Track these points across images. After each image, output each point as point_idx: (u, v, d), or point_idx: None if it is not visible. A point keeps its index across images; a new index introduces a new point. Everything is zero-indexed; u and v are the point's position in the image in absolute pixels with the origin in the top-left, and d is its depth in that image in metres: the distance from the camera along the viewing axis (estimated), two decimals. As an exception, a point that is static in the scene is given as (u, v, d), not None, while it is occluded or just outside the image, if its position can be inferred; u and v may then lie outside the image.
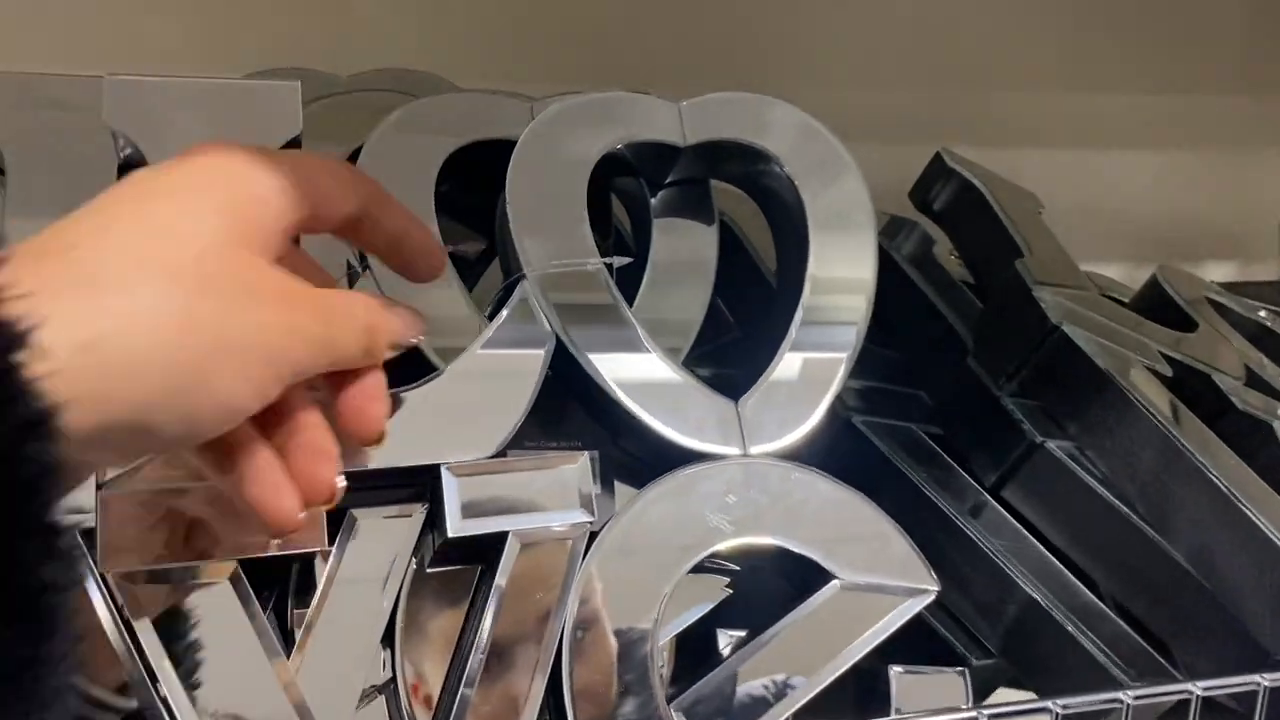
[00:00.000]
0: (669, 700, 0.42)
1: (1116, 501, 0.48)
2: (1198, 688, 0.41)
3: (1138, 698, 0.43)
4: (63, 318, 0.25)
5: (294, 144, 0.44)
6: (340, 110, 0.56)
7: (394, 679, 0.44)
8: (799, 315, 0.47)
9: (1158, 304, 0.67)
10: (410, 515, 0.42)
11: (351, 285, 0.48)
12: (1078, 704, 0.41)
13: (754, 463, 0.45)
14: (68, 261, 0.27)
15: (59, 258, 0.27)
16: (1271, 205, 0.96)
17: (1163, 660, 0.48)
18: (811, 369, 0.47)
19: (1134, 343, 0.54)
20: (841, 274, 0.48)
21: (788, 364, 0.47)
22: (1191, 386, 0.56)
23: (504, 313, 0.43)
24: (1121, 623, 0.48)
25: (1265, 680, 0.41)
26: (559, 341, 0.44)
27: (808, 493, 0.45)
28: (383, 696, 0.44)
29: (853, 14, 0.84)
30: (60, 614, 0.24)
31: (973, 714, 0.41)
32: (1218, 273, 0.96)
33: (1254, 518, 0.44)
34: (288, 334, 0.31)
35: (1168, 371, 0.54)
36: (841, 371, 0.47)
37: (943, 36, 0.89)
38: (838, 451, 0.51)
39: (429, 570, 0.43)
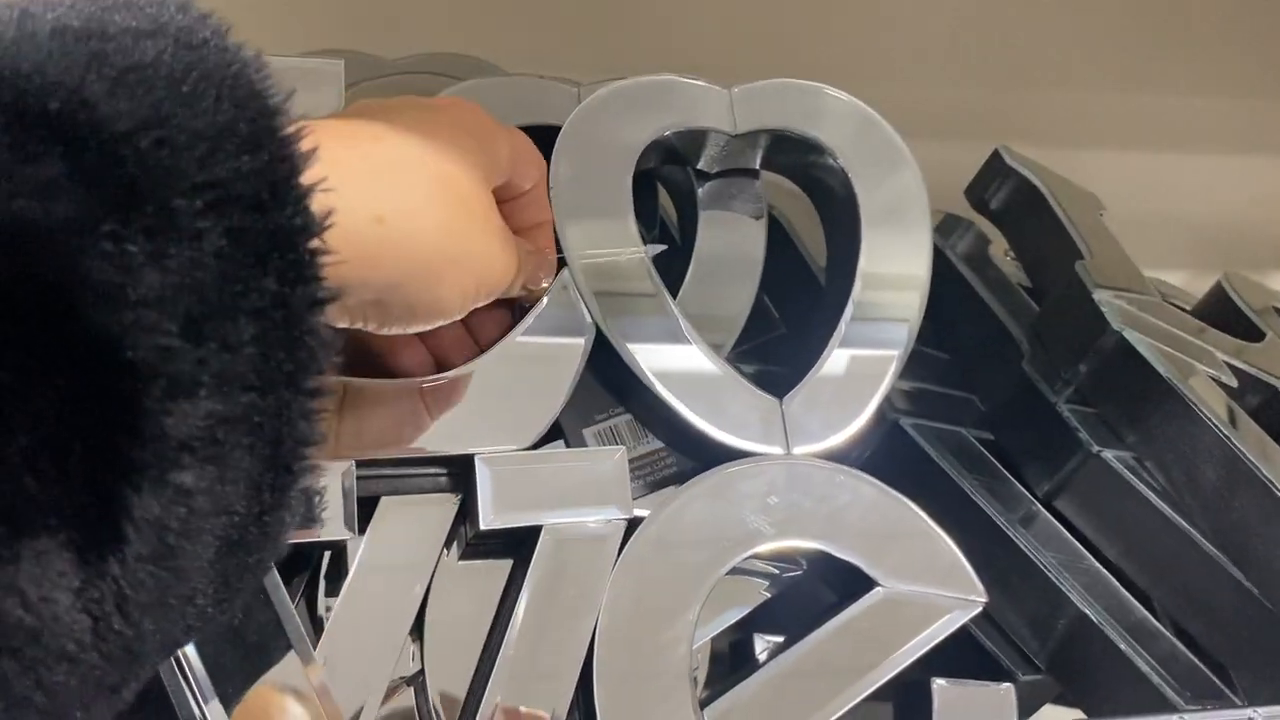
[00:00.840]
0: (702, 706, 0.41)
1: (1176, 516, 0.46)
2: (1259, 714, 0.39)
3: (1194, 721, 0.41)
4: (360, 194, 0.29)
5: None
6: (383, 93, 0.55)
7: (422, 671, 0.43)
8: (849, 311, 0.46)
9: (1222, 312, 0.65)
10: (443, 505, 0.41)
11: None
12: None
13: (797, 463, 0.43)
14: (370, 150, 0.31)
15: (369, 143, 0.31)
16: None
17: (1220, 683, 0.45)
18: (860, 367, 0.46)
19: (1197, 350, 0.52)
20: (895, 270, 0.47)
21: (835, 361, 0.45)
22: (1256, 397, 0.54)
23: (543, 300, 0.42)
24: (1177, 642, 0.46)
25: None
26: (598, 331, 0.42)
27: (852, 496, 0.44)
28: (411, 689, 0.44)
29: (907, 7, 0.83)
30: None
31: (1020, 732, 0.40)
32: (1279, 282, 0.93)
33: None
34: (498, 263, 0.36)
35: (1232, 382, 0.51)
36: (892, 370, 0.46)
37: (999, 32, 0.87)
38: (885, 455, 0.49)
39: (460, 562, 0.42)
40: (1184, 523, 0.46)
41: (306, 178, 0.26)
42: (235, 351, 0.24)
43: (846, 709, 0.41)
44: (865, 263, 0.47)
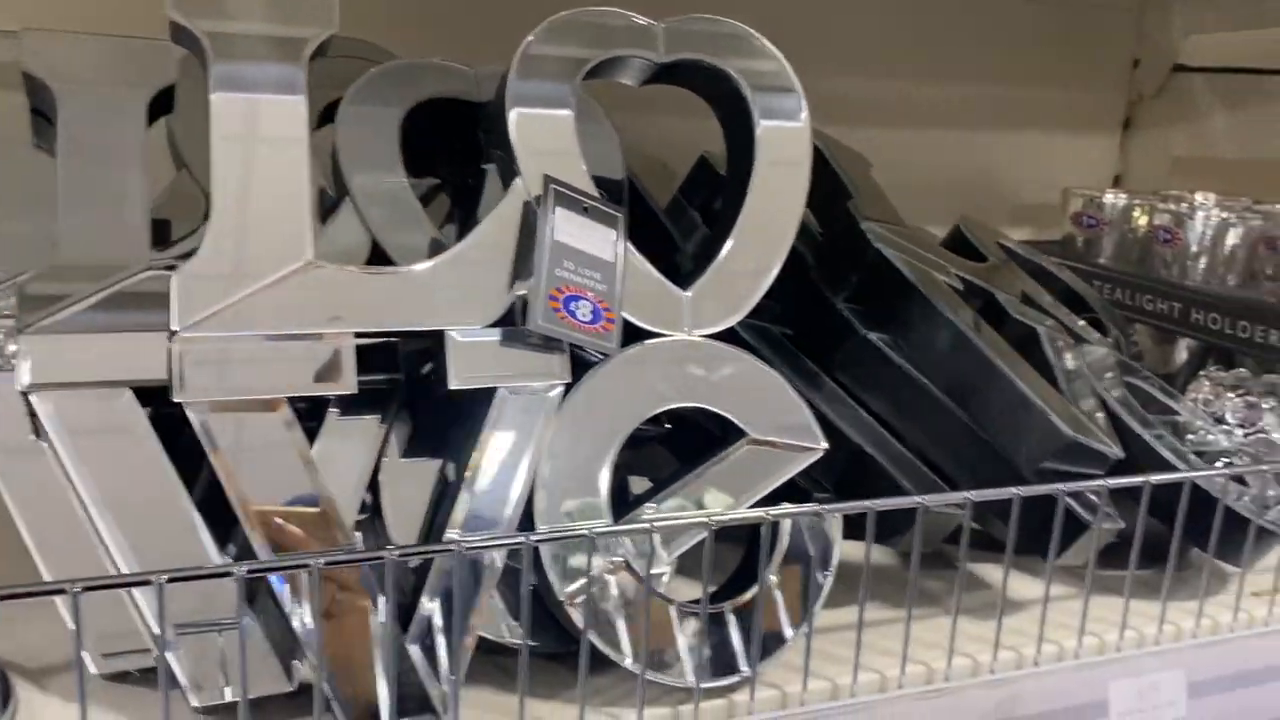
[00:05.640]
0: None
1: (921, 377, 0.64)
2: (971, 496, 0.57)
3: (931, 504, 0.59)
4: None
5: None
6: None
7: (377, 509, 0.55)
8: (741, 220, 0.59)
9: (959, 244, 0.85)
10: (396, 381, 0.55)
11: (324, 212, 0.60)
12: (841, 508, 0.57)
13: (694, 342, 0.57)
14: None
15: None
16: (1057, 179, 1.16)
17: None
18: (747, 263, 0.59)
19: (936, 264, 0.71)
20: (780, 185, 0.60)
21: (730, 258, 0.59)
22: (977, 300, 0.74)
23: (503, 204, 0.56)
24: (921, 465, 0.64)
25: (1019, 491, 0.58)
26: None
27: (733, 368, 0.58)
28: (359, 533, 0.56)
29: None
30: None
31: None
32: (1015, 235, 1.15)
33: (1011, 377, 0.61)
34: None
35: (959, 286, 0.70)
36: (776, 265, 0.59)
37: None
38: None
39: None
40: (926, 381, 0.64)
41: None
42: None
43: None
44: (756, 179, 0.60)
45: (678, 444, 0.62)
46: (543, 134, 0.57)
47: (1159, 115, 1.27)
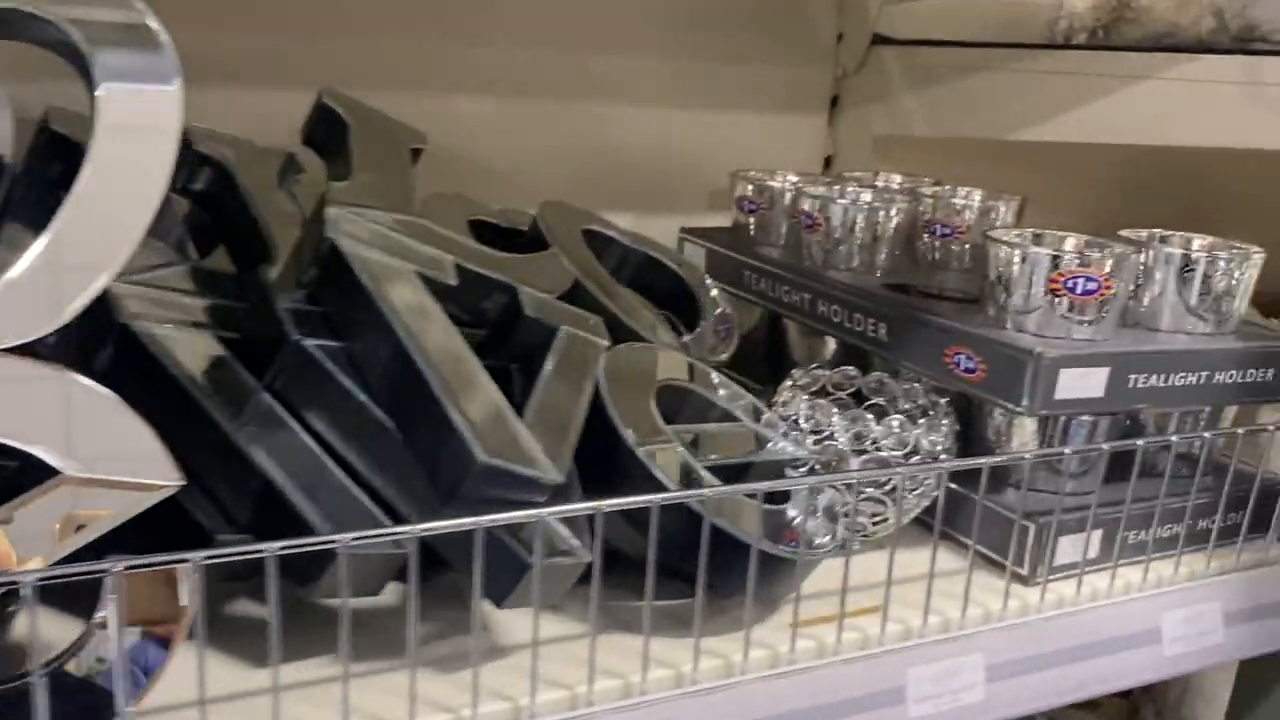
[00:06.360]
0: None
1: (358, 391, 0.54)
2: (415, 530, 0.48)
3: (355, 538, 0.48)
4: None
5: None
6: None
7: None
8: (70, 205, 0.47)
9: (534, 234, 0.76)
10: None
11: None
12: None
13: None
14: None
15: None
16: (769, 163, 1.07)
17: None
18: (75, 259, 0.47)
19: (428, 259, 0.61)
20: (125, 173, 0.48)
21: (48, 252, 0.46)
22: (495, 298, 0.64)
23: None
24: (362, 498, 0.54)
25: (484, 521, 0.49)
26: None
27: (48, 389, 0.48)
28: None
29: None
30: None
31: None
32: (689, 220, 1.06)
33: (435, 391, 0.51)
34: None
35: (453, 282, 0.60)
36: (115, 263, 0.47)
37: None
38: (120, 359, 0.55)
39: None
40: (363, 397, 0.54)
41: None
42: None
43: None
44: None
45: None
46: None
47: (861, 92, 1.19)
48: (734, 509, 0.59)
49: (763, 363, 0.96)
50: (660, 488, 0.57)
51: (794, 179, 1.00)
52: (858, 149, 1.20)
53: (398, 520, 0.54)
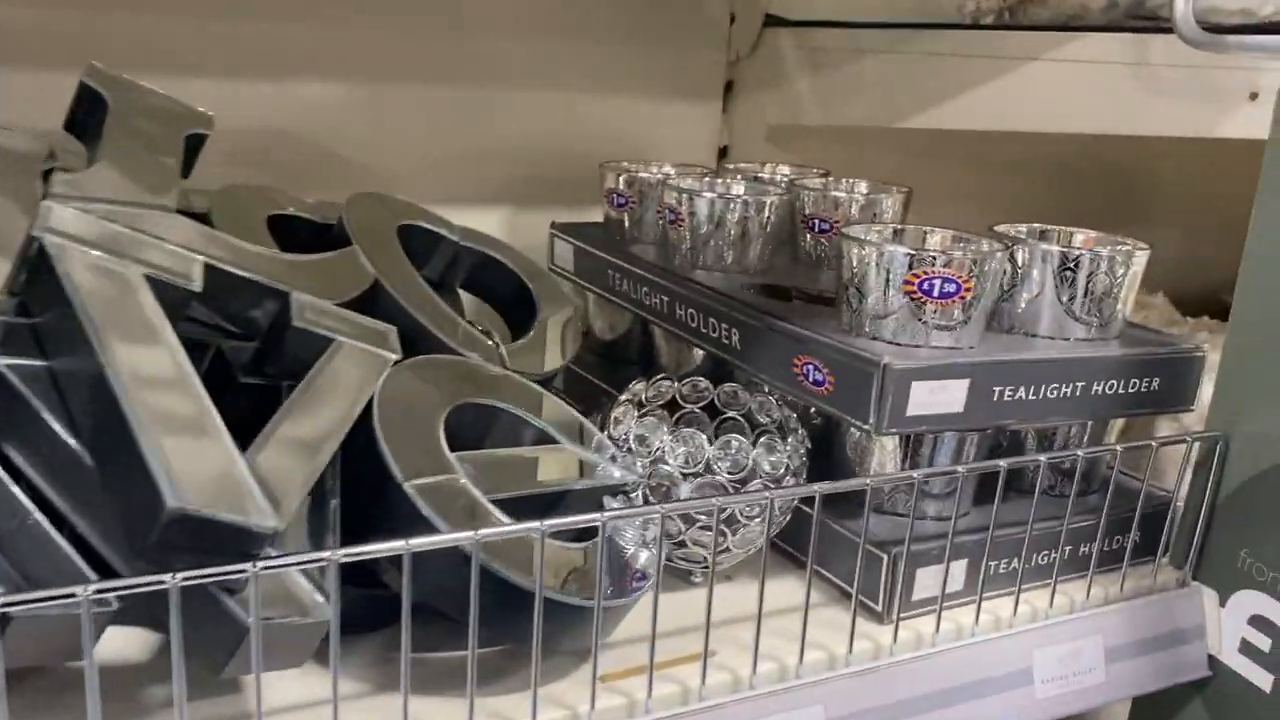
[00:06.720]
0: None
1: (50, 419, 0.46)
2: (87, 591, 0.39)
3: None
4: None
5: None
6: None
7: None
8: None
9: (339, 231, 0.67)
10: None
11: None
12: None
13: None
14: None
15: None
16: (663, 153, 0.99)
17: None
18: None
19: (169, 261, 0.52)
20: None
21: None
22: (267, 304, 0.56)
23: None
24: (64, 546, 0.46)
25: (174, 579, 0.40)
26: None
27: None
28: None
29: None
30: None
31: None
32: (577, 216, 0.98)
33: (129, 420, 0.43)
34: None
35: (195, 287, 0.52)
36: None
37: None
38: None
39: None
40: (57, 426, 0.46)
41: None
42: None
43: None
44: None
45: None
46: None
47: (754, 78, 1.11)
48: (520, 549, 0.51)
49: (635, 372, 0.88)
50: (432, 529, 0.49)
51: (669, 170, 0.93)
52: (754, 139, 1.13)
53: (104, 572, 0.46)
